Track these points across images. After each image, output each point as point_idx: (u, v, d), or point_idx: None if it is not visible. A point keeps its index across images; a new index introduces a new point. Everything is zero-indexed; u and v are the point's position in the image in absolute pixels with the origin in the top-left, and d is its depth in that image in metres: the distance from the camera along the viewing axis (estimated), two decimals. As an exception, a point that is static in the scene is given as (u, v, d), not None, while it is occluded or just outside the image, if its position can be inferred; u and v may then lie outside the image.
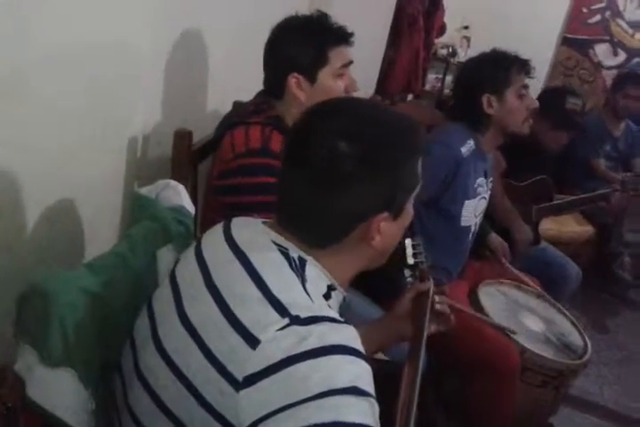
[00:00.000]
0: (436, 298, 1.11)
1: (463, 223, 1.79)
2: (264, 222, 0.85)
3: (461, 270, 1.92)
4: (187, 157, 1.32)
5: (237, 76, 1.68)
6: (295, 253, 0.79)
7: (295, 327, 0.69)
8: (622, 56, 4.21)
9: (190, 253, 0.85)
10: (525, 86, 1.73)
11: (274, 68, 1.37)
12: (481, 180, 1.80)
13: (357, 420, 0.65)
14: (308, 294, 0.75)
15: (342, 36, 1.36)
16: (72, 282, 0.79)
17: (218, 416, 0.70)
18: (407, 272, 1.15)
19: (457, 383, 1.71)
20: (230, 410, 0.69)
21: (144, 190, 1.11)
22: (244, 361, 0.68)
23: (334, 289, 0.82)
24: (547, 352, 1.70)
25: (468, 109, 1.75)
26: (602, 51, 4.30)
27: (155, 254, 1.01)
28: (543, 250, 2.30)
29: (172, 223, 1.05)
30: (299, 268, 0.77)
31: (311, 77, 1.33)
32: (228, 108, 1.58)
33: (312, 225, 0.80)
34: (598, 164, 3.13)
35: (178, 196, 1.11)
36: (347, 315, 1.53)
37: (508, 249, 2.03)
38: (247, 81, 1.52)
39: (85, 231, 1.23)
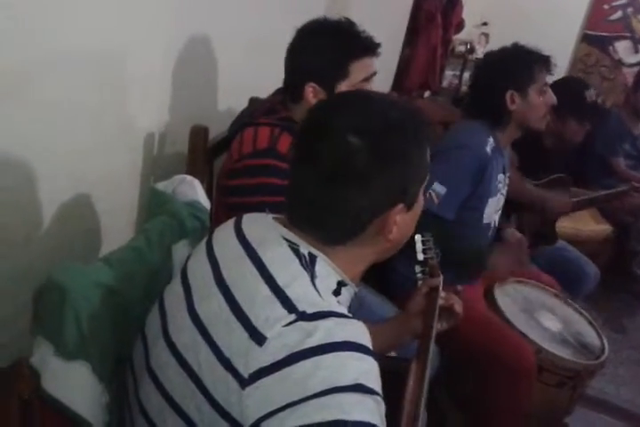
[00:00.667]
0: (443, 294, 1.10)
1: (485, 220, 1.78)
2: (275, 218, 0.84)
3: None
4: (202, 153, 1.33)
5: (255, 73, 1.68)
6: (305, 249, 0.78)
7: (301, 323, 0.69)
8: (644, 53, 4.16)
9: (201, 249, 0.85)
10: (547, 84, 1.71)
11: (293, 73, 1.35)
12: (500, 176, 1.79)
13: (361, 418, 0.64)
14: (317, 289, 0.74)
15: (368, 48, 1.32)
16: (88, 276, 0.79)
17: (224, 414, 0.70)
18: (417, 268, 1.15)
19: (472, 382, 1.70)
20: (236, 407, 0.68)
21: (160, 186, 1.11)
22: (250, 358, 0.68)
23: (345, 285, 0.81)
24: (564, 352, 1.68)
25: (489, 106, 1.73)
26: (622, 48, 4.23)
27: (170, 249, 1.01)
28: (561, 249, 2.28)
29: (188, 218, 1.05)
30: (309, 264, 0.77)
31: (329, 89, 1.31)
32: (244, 104, 1.58)
33: (327, 223, 0.79)
34: (618, 162, 3.09)
35: (194, 191, 1.11)
36: (360, 312, 1.54)
37: (526, 244, 2.01)
38: (265, 78, 1.51)
39: (102, 227, 1.24)
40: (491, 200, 1.74)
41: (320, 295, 0.73)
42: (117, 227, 1.26)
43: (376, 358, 0.71)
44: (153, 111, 1.34)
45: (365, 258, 0.85)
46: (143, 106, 1.29)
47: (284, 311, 0.70)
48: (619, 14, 4.17)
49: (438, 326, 1.13)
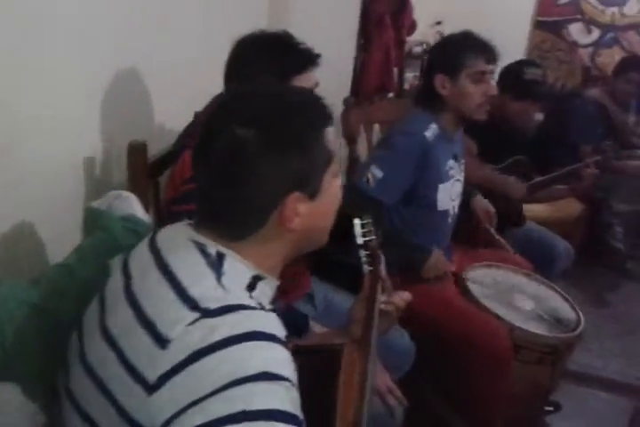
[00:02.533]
0: (384, 299, 1.08)
1: (440, 208, 1.79)
2: (189, 224, 0.83)
3: (446, 255, 1.92)
4: (142, 169, 1.33)
5: (199, 87, 1.69)
6: (213, 248, 0.77)
7: (205, 320, 0.68)
8: (596, 33, 4.20)
9: (118, 264, 0.85)
10: (484, 72, 1.70)
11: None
12: (451, 162, 1.80)
13: (267, 406, 0.63)
14: (222, 286, 0.73)
15: (307, 61, 1.32)
16: (10, 294, 0.79)
17: None
18: (362, 253, 1.14)
19: (451, 369, 1.69)
20: (146, 416, 0.67)
21: (95, 203, 1.11)
22: (156, 363, 0.67)
23: (262, 279, 0.80)
24: (539, 329, 1.68)
25: (425, 90, 1.76)
26: (575, 30, 4.29)
27: (107, 265, 1.01)
28: (529, 230, 2.29)
29: (124, 232, 1.05)
30: (215, 263, 0.76)
31: None
32: (189, 119, 1.59)
33: (228, 220, 0.79)
34: (585, 149, 3.09)
35: (130, 205, 1.12)
36: (330, 314, 1.54)
37: (493, 213, 2.03)
38: (209, 93, 1.53)
39: (48, 252, 1.24)
40: (442, 186, 1.75)
41: (226, 291, 0.72)
42: (64, 251, 1.26)
43: (287, 347, 0.70)
44: (95, 130, 1.34)
45: (279, 251, 0.83)
46: (84, 125, 1.29)
47: (187, 311, 0.69)
48: (567, -3, 4.24)
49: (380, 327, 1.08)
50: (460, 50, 1.70)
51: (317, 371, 0.90)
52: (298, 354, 0.88)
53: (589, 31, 4.26)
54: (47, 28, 1.15)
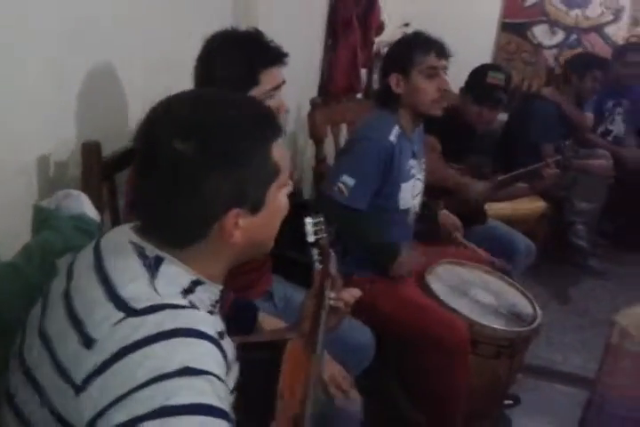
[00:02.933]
0: (333, 295, 1.08)
1: (402, 206, 1.81)
2: (132, 227, 0.82)
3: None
4: (96, 169, 1.33)
5: (158, 88, 1.69)
6: (152, 252, 0.77)
7: (130, 319, 0.68)
8: (560, 35, 4.27)
9: (65, 264, 0.84)
10: (435, 67, 1.74)
11: (202, 84, 1.36)
12: (412, 162, 1.83)
13: (188, 401, 0.63)
14: (154, 288, 0.73)
15: (276, 57, 1.36)
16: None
17: None
18: (314, 251, 1.16)
19: (411, 365, 1.72)
20: (75, 416, 0.67)
21: (44, 203, 1.11)
22: (82, 363, 0.67)
23: (201, 284, 0.80)
24: (496, 323, 1.72)
25: (383, 90, 1.79)
26: (540, 32, 4.36)
27: (55, 264, 1.01)
28: (491, 227, 2.33)
29: (73, 231, 1.05)
30: (152, 266, 0.75)
31: None
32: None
33: (167, 229, 0.78)
34: (546, 148, 3.13)
35: (80, 204, 1.12)
36: (291, 311, 1.54)
37: (460, 224, 2.07)
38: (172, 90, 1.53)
39: (0, 252, 1.23)
40: (404, 185, 1.78)
41: (157, 293, 0.72)
42: (15, 250, 1.25)
43: (218, 344, 0.70)
44: (45, 130, 1.33)
45: (222, 259, 0.82)
46: (33, 125, 1.29)
47: (114, 311, 0.69)
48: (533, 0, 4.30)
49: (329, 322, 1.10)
50: (411, 48, 1.74)
51: (262, 366, 0.92)
52: (244, 349, 0.90)
53: (554, 33, 4.33)
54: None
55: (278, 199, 0.83)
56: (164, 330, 0.67)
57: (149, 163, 0.76)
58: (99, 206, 1.29)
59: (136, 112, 1.63)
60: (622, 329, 1.46)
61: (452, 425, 1.69)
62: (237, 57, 1.33)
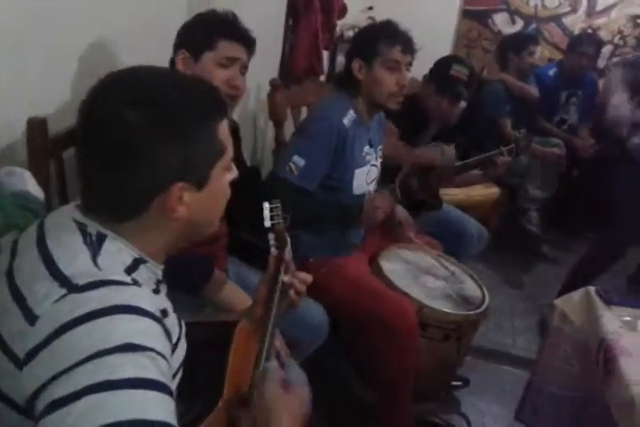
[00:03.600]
0: (285, 278, 1.09)
1: (356, 192, 1.82)
2: (76, 205, 0.82)
3: (361, 237, 1.96)
4: (42, 145, 1.29)
5: (110, 61, 1.64)
6: (94, 229, 0.77)
7: (72, 295, 0.68)
8: (519, 23, 4.31)
9: (9, 242, 0.83)
10: (397, 62, 1.73)
11: (175, 43, 1.47)
12: (367, 148, 1.83)
13: (130, 375, 0.64)
14: (96, 264, 0.73)
15: (237, 33, 1.44)
16: None
17: (15, 406, 0.69)
18: (270, 236, 1.16)
19: (362, 347, 1.74)
20: (18, 392, 0.67)
21: (-14, 180, 1.08)
22: (25, 339, 0.67)
23: (144, 262, 0.80)
24: (445, 306, 1.76)
25: (345, 73, 1.80)
26: (500, 20, 4.40)
27: (-1, 242, 0.98)
28: (445, 212, 2.35)
29: (15, 209, 1.02)
30: (94, 242, 0.75)
31: (195, 57, 1.42)
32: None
33: (108, 202, 0.78)
34: (505, 123, 3.20)
35: (23, 182, 1.09)
36: (242, 289, 1.54)
37: (412, 223, 2.08)
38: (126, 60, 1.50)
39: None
40: (358, 171, 1.79)
41: (99, 268, 0.72)
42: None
43: (159, 321, 0.71)
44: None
45: (162, 237, 0.82)
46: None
47: (56, 288, 0.69)
48: (494, -13, 4.34)
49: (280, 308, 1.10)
50: (378, 37, 1.74)
51: (211, 344, 0.92)
52: (194, 328, 0.91)
53: (514, 22, 4.37)
54: None
55: (223, 181, 0.84)
56: (105, 306, 0.67)
57: (93, 132, 0.76)
58: (45, 184, 1.26)
59: (87, 88, 1.59)
60: (561, 313, 1.51)
61: (401, 404, 1.73)
62: (205, 22, 1.45)
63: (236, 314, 1.22)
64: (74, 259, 0.72)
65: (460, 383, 2.11)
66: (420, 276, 1.90)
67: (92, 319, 0.66)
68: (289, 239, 1.17)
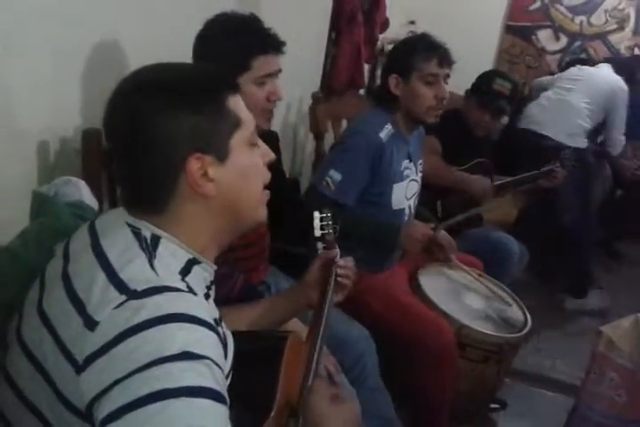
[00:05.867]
0: (339, 269, 1.12)
1: (395, 207, 1.81)
2: (124, 207, 0.83)
3: (402, 255, 1.94)
4: (97, 155, 1.32)
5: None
6: (148, 231, 0.78)
7: (131, 302, 0.69)
8: (564, 40, 4.27)
9: (61, 247, 0.85)
10: (435, 75, 1.72)
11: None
12: (406, 162, 1.82)
13: (189, 383, 0.64)
14: (154, 269, 0.73)
15: (271, 45, 1.35)
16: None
17: (72, 408, 0.70)
18: (319, 245, 1.17)
19: (399, 366, 1.72)
20: (77, 397, 0.68)
21: (43, 189, 1.10)
22: (84, 344, 0.68)
23: (197, 263, 0.81)
24: (485, 328, 1.72)
25: (382, 89, 1.79)
26: (544, 36, 4.36)
27: (52, 250, 1.00)
28: (485, 231, 2.33)
29: (71, 218, 1.04)
30: (149, 246, 0.76)
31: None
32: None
33: (138, 191, 0.80)
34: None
35: (78, 192, 1.11)
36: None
37: (455, 245, 2.05)
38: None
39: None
40: (396, 186, 1.77)
41: (157, 274, 0.73)
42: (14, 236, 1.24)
43: (214, 330, 0.71)
44: (45, 117, 1.32)
45: (205, 224, 0.81)
46: (33, 112, 1.27)
47: (116, 294, 0.70)
48: (538, 4, 4.29)
49: (335, 297, 1.16)
50: (413, 52, 1.73)
51: (262, 354, 0.92)
52: (242, 338, 0.90)
53: (558, 38, 4.33)
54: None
55: (249, 156, 0.84)
56: (161, 314, 0.68)
57: (109, 126, 0.81)
58: (98, 194, 1.28)
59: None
60: (608, 340, 1.47)
61: (438, 425, 1.70)
62: (232, 41, 1.33)
63: (284, 296, 1.23)
64: (130, 263, 0.73)
65: (497, 406, 2.07)
66: (460, 295, 1.87)
67: (150, 327, 0.67)
68: (338, 250, 1.17)
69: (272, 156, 0.89)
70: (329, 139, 2.43)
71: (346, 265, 1.16)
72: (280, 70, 1.41)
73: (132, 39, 1.52)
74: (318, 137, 2.38)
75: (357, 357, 1.51)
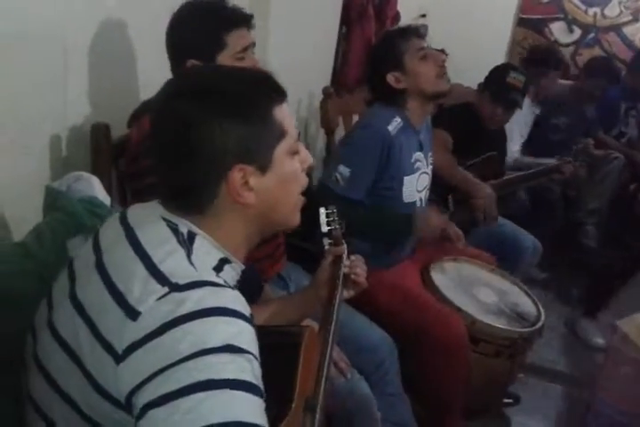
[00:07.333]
0: (347, 263, 1.12)
1: (406, 200, 1.80)
2: (159, 201, 0.84)
3: (413, 249, 1.94)
4: (106, 150, 1.32)
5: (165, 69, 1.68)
6: (185, 228, 0.79)
7: (174, 294, 0.70)
8: (577, 32, 4.23)
9: (89, 239, 0.85)
10: (422, 48, 1.72)
11: (174, 55, 1.38)
12: (418, 154, 1.81)
13: (231, 376, 0.65)
14: (192, 264, 0.75)
15: (239, 20, 1.37)
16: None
17: (107, 396, 0.71)
18: (325, 241, 1.17)
19: (411, 360, 1.71)
20: (113, 386, 0.69)
21: (55, 184, 1.11)
22: (125, 334, 0.69)
23: (229, 262, 0.82)
24: (498, 322, 1.71)
25: (382, 90, 1.76)
26: (557, 29, 4.32)
27: (65, 245, 1.01)
28: (499, 226, 2.31)
29: (84, 214, 1.05)
30: (186, 241, 0.77)
31: (209, 62, 1.33)
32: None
33: (174, 191, 0.80)
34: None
35: (90, 187, 1.12)
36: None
37: (463, 237, 2.03)
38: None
39: (13, 233, 1.23)
40: (407, 179, 1.76)
41: (195, 268, 0.74)
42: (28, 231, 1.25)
43: (252, 324, 0.72)
44: (55, 112, 1.33)
45: (240, 228, 0.83)
46: (44, 106, 1.28)
47: (157, 286, 0.71)
48: (550, -4, 4.26)
49: (345, 293, 1.17)
50: (392, 44, 1.73)
51: (280, 349, 0.92)
52: (261, 333, 0.91)
53: (571, 30, 4.28)
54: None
55: (290, 165, 0.84)
56: (205, 307, 0.69)
57: (154, 129, 0.80)
58: (108, 189, 1.29)
59: (146, 95, 1.62)
60: (624, 335, 1.45)
61: (450, 420, 1.70)
62: (201, 23, 1.34)
63: (296, 296, 1.24)
64: (170, 257, 0.74)
65: (510, 401, 2.06)
66: (472, 289, 1.86)
67: (193, 319, 0.68)
68: (345, 245, 1.17)
69: (311, 161, 0.89)
70: (340, 134, 2.43)
71: (356, 263, 1.16)
72: (254, 43, 1.41)
73: (142, 34, 1.53)
74: (329, 132, 2.38)
75: (379, 363, 1.51)
